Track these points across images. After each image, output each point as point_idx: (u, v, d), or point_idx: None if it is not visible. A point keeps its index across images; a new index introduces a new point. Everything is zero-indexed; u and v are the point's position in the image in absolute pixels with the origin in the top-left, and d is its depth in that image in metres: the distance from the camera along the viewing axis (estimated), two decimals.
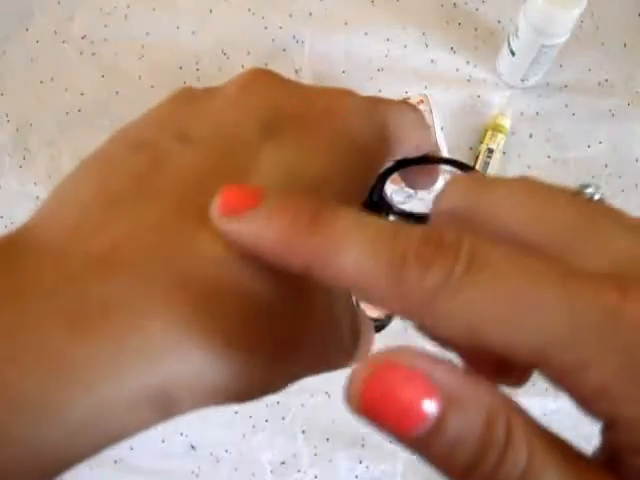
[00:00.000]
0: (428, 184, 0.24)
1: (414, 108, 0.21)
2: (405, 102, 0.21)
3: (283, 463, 0.53)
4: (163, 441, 0.53)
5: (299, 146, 0.17)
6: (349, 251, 0.13)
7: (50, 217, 0.16)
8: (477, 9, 0.54)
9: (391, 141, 0.20)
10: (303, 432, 0.53)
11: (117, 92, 0.55)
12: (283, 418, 0.53)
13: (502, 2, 0.55)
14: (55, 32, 0.57)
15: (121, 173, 0.16)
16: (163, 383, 0.13)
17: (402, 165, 0.23)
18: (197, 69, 0.56)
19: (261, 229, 0.14)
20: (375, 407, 0.11)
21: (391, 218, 0.25)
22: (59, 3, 0.57)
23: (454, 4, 0.54)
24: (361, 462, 0.53)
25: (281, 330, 0.15)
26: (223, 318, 0.14)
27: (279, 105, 0.18)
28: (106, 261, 0.14)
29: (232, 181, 0.15)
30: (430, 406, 0.11)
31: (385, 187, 0.24)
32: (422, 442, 0.11)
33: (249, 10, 0.56)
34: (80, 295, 0.13)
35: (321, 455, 0.53)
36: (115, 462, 0.53)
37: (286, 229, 0.14)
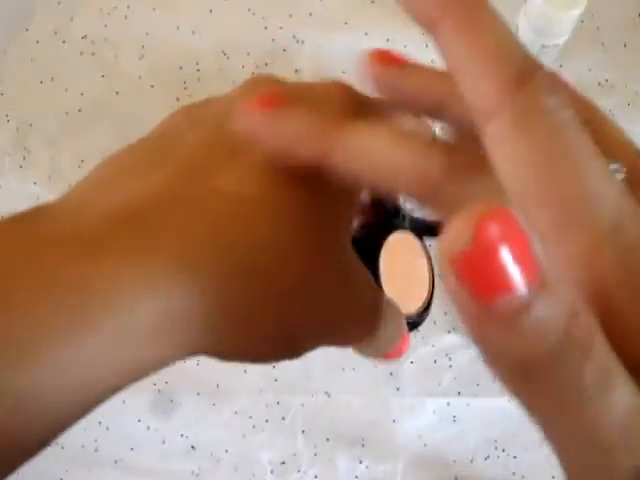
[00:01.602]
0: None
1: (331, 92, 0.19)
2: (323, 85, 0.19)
3: (283, 463, 0.53)
4: (163, 442, 0.53)
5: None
6: (377, 140, 0.15)
7: (68, 192, 0.16)
8: None
9: None
10: (303, 432, 0.53)
11: (117, 92, 0.55)
12: (283, 418, 0.53)
13: (502, 2, 0.55)
14: (55, 32, 0.57)
15: (137, 152, 0.17)
16: (164, 311, 0.14)
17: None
18: (197, 69, 0.56)
19: (292, 123, 0.16)
20: (476, 260, 0.09)
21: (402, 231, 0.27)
22: (59, 3, 0.57)
23: None
24: (361, 462, 0.53)
25: (292, 280, 0.16)
26: (231, 250, 0.15)
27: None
28: (117, 212, 0.15)
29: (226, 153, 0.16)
30: (526, 281, 0.09)
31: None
32: (504, 319, 0.10)
33: (249, 10, 0.56)
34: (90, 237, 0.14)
35: (321, 455, 0.53)
36: (115, 462, 0.53)
37: (317, 123, 0.16)
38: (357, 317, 0.19)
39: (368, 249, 0.26)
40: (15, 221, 0.15)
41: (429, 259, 0.28)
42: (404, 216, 0.26)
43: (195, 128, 0.18)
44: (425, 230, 0.28)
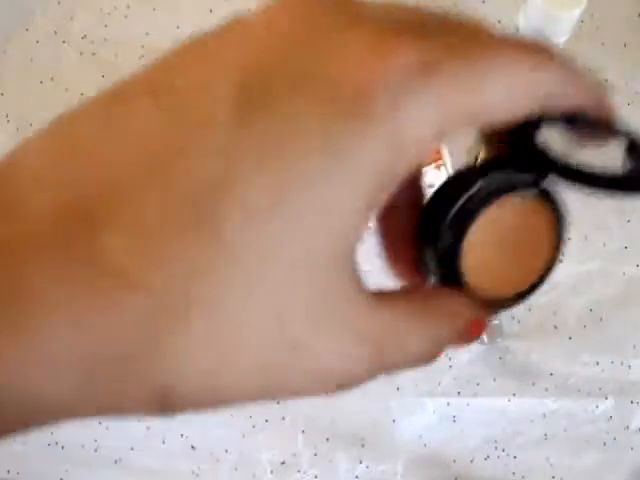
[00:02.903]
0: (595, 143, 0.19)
1: (527, 54, 0.15)
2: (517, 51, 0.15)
3: (283, 463, 0.53)
4: (163, 442, 0.53)
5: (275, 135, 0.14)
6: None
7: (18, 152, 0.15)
8: (477, 9, 0.54)
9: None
10: (303, 432, 0.53)
11: None
12: (283, 418, 0.53)
13: (502, 2, 0.55)
14: (55, 32, 0.57)
15: (87, 128, 0.15)
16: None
17: (548, 121, 0.17)
18: None
19: None
20: None
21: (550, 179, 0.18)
22: (59, 3, 0.57)
23: (454, 4, 0.54)
24: (361, 462, 0.53)
25: None
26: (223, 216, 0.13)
27: (279, 60, 0.14)
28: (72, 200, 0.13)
29: (176, 159, 0.14)
30: None
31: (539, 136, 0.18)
32: None
33: (249, 10, 0.56)
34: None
35: (321, 455, 0.53)
36: (115, 462, 0.53)
37: None
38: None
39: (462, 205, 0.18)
40: None
41: (557, 230, 0.19)
42: (547, 167, 0.18)
43: (154, 99, 0.15)
44: (586, 180, 0.18)
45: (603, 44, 0.54)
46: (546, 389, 0.51)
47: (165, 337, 0.13)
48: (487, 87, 0.15)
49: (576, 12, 0.44)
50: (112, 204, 0.13)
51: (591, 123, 0.17)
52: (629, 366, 0.52)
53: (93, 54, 0.56)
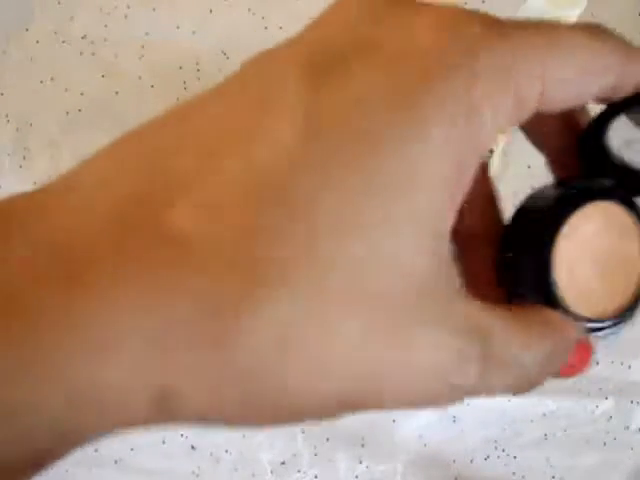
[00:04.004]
0: None
1: (592, 33, 0.15)
2: (580, 30, 0.16)
3: (283, 463, 0.53)
4: (163, 442, 0.53)
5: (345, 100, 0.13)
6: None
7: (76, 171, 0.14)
8: (477, 9, 0.54)
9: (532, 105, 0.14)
10: (303, 432, 0.53)
11: (117, 92, 0.55)
12: None
13: (502, 2, 0.55)
14: (55, 32, 0.57)
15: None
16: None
17: (627, 104, 0.17)
18: (197, 69, 0.56)
19: None
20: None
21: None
22: (59, 3, 0.57)
23: (454, 4, 0.54)
24: (361, 462, 0.53)
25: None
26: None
27: (348, 32, 0.14)
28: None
29: (250, 134, 0.13)
30: None
31: (611, 132, 0.17)
32: None
33: (249, 10, 0.56)
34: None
35: (321, 455, 0.53)
36: (115, 462, 0.53)
37: None
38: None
39: (542, 225, 0.17)
40: None
41: None
42: (617, 168, 0.17)
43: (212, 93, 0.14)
44: None
45: None
46: (546, 389, 0.51)
47: (239, 315, 0.11)
48: (559, 57, 0.14)
49: (576, 12, 0.44)
50: (177, 187, 0.12)
51: None
52: (629, 366, 0.52)
53: (93, 54, 0.56)
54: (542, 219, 0.17)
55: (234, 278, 0.11)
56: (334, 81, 0.13)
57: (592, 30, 0.15)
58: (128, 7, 0.57)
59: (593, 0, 0.44)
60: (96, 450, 0.53)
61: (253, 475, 0.53)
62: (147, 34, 0.56)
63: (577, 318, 0.17)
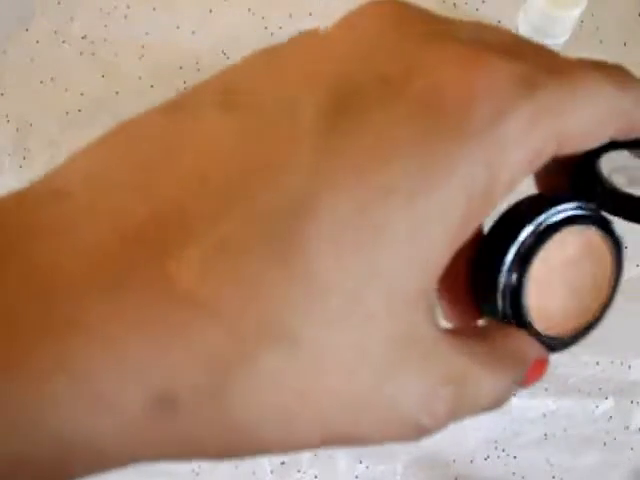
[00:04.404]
0: None
1: (608, 76, 0.15)
2: (591, 68, 0.15)
3: (283, 463, 0.53)
4: None
5: (369, 147, 0.12)
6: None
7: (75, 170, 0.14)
8: (477, 9, 0.54)
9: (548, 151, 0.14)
10: None
11: (117, 92, 0.55)
12: None
13: (502, 2, 0.55)
14: (55, 32, 0.57)
15: (148, 136, 0.14)
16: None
17: (615, 147, 0.17)
18: (197, 69, 0.56)
19: None
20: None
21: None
22: (59, 3, 0.57)
23: (454, 4, 0.54)
24: (361, 462, 0.53)
25: None
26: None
27: (369, 69, 0.13)
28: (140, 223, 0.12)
29: (259, 176, 0.12)
30: None
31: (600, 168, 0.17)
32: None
33: (249, 10, 0.56)
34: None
35: (321, 455, 0.53)
36: None
37: None
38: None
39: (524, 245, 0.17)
40: None
41: (615, 264, 0.19)
42: (602, 192, 0.18)
43: (224, 111, 0.13)
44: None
45: (603, 44, 0.54)
46: (546, 389, 0.51)
47: (235, 369, 0.12)
48: (579, 108, 0.14)
49: (576, 12, 0.44)
50: (181, 226, 0.12)
51: None
52: (629, 366, 0.52)
53: (93, 54, 0.56)
54: (521, 243, 0.17)
55: (234, 340, 0.12)
56: (355, 128, 0.12)
57: (615, 76, 0.15)
58: (128, 7, 0.57)
59: (593, 0, 0.44)
60: None
61: (253, 475, 0.53)
62: (147, 34, 0.56)
63: (541, 337, 0.18)
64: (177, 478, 0.54)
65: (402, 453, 0.53)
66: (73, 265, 0.11)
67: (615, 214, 0.18)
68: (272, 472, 0.53)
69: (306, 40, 0.15)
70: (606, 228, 0.18)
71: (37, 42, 0.57)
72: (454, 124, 0.12)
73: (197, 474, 0.53)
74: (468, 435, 0.53)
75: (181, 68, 0.56)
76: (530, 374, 0.17)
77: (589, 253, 0.18)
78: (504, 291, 0.17)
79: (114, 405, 0.11)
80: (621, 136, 0.16)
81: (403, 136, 0.12)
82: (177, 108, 0.14)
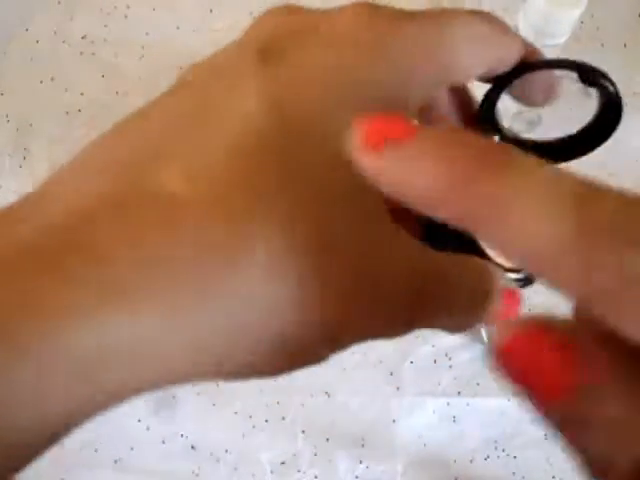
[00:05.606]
0: (546, 97, 0.21)
1: (483, 18, 0.19)
2: (471, 13, 0.19)
3: (283, 463, 0.53)
4: (163, 442, 0.53)
5: (297, 71, 0.16)
6: (528, 214, 0.10)
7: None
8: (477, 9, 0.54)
9: (440, 65, 0.18)
10: (303, 432, 0.53)
11: (117, 92, 0.55)
12: (283, 418, 0.53)
13: (502, 2, 0.55)
14: (55, 32, 0.57)
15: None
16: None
17: (507, 79, 0.18)
18: None
19: (409, 171, 0.11)
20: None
21: (496, 139, 0.20)
22: (59, 3, 0.57)
23: (452, 4, 0.54)
24: (361, 462, 0.53)
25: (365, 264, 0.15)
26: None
27: (281, 24, 0.18)
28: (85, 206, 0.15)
29: (214, 119, 0.16)
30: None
31: (499, 107, 0.19)
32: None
33: (249, 10, 0.56)
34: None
35: (321, 455, 0.53)
36: (115, 462, 0.53)
37: (443, 176, 0.11)
38: (451, 311, 0.17)
39: None
40: None
41: None
42: (501, 134, 0.18)
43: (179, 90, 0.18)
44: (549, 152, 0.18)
45: (603, 44, 0.54)
46: None
47: None
48: (449, 35, 0.18)
49: (576, 12, 0.44)
50: (162, 157, 0.15)
51: (539, 67, 0.20)
52: None
53: (93, 54, 0.56)
54: None
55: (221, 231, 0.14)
56: (284, 60, 0.16)
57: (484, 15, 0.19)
58: (128, 7, 0.57)
59: (593, 1, 0.44)
60: (96, 450, 0.53)
61: (253, 475, 0.53)
62: (147, 34, 0.56)
63: (500, 267, 0.19)
64: (177, 478, 0.54)
65: (402, 453, 0.53)
66: (71, 201, 0.15)
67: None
68: (272, 472, 0.53)
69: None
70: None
71: (37, 42, 0.57)
72: (357, 41, 0.17)
73: (197, 475, 0.53)
74: (468, 435, 0.53)
75: (181, 68, 0.56)
76: (504, 307, 0.18)
77: None
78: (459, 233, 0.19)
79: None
80: (493, 67, 0.19)
81: (325, 66, 0.17)
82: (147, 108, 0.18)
